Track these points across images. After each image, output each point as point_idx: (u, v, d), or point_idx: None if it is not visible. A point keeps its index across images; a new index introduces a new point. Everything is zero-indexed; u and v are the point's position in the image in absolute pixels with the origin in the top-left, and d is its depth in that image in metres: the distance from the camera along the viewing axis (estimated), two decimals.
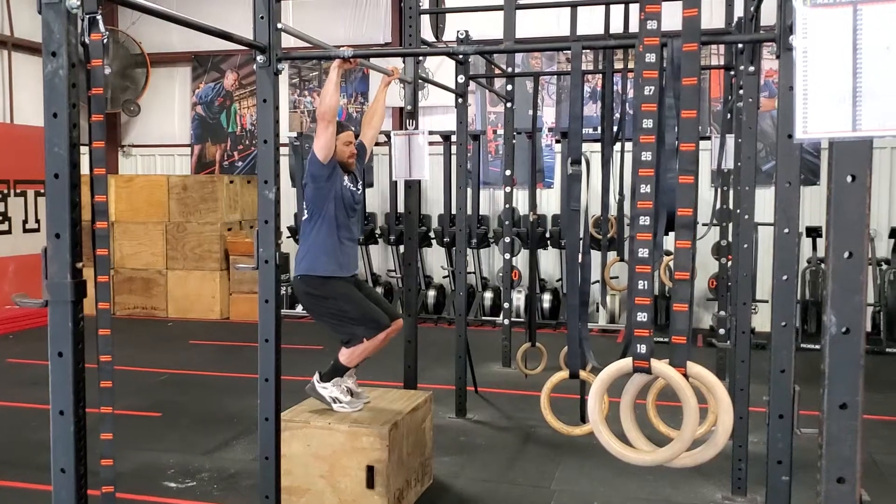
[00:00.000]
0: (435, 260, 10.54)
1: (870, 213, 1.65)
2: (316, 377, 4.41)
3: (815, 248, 8.59)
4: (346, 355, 4.36)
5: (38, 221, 10.25)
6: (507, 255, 7.45)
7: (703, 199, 8.64)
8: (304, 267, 4.39)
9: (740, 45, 4.34)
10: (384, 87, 4.74)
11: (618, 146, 6.53)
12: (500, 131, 9.81)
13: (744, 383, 4.16)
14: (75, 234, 2.34)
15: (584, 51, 3.35)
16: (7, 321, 9.24)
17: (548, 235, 9.54)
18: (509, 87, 7.29)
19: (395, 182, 9.21)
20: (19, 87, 10.91)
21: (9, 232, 9.92)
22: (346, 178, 4.44)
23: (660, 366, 2.56)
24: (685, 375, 2.55)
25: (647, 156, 2.59)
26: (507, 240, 7.41)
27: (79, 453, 2.39)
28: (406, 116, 5.52)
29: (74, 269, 2.34)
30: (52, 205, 2.34)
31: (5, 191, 9.87)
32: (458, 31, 6.18)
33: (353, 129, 4.55)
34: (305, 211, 4.44)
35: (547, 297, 9.62)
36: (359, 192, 4.56)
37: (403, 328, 5.19)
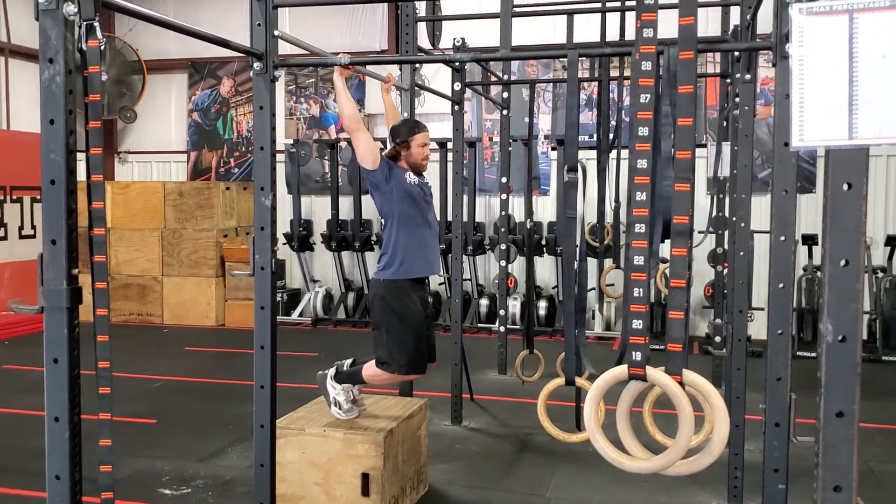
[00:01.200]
0: None
1: (866, 222, 1.65)
2: (332, 372, 4.38)
3: (811, 255, 8.60)
4: (371, 372, 4.32)
5: (34, 227, 10.24)
6: (503, 263, 7.45)
7: (699, 206, 8.65)
8: (385, 269, 4.30)
9: (736, 53, 4.36)
10: (386, 93, 4.72)
11: (614, 154, 6.54)
12: (497, 138, 9.83)
13: (740, 391, 4.16)
14: (71, 240, 2.34)
15: (580, 58, 3.36)
16: (2, 327, 9.22)
17: (544, 242, 9.55)
18: (505, 95, 7.30)
19: None
20: (16, 94, 10.90)
21: (5, 238, 9.90)
22: (408, 174, 4.33)
23: (655, 373, 2.56)
24: (681, 383, 2.55)
25: (642, 163, 2.59)
26: (503, 247, 7.41)
27: (74, 460, 2.39)
28: None
29: (70, 275, 2.33)
30: (49, 211, 2.34)
31: (1, 197, 9.86)
32: (454, 39, 6.19)
33: (427, 130, 4.44)
34: (381, 220, 4.39)
35: (543, 304, 9.62)
36: (427, 185, 4.44)
37: None
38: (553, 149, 9.96)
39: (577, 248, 3.50)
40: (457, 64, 5.73)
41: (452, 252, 6.08)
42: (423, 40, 6.25)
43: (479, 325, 9.74)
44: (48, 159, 2.31)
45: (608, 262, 7.23)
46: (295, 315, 10.50)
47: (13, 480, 4.76)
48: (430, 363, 4.44)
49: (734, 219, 4.31)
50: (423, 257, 4.32)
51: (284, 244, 10.39)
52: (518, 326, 9.13)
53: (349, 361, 4.48)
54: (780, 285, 3.05)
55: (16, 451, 5.31)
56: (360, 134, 4.16)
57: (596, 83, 7.86)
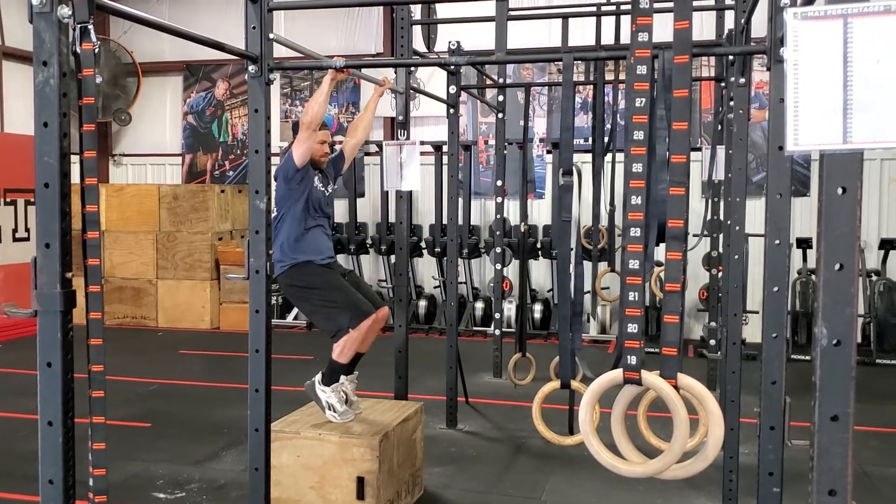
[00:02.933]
0: (426, 270, 10.54)
1: (860, 225, 1.65)
2: (318, 378, 4.42)
3: (805, 259, 8.62)
4: (336, 351, 4.38)
5: (27, 230, 10.21)
6: (499, 266, 7.45)
7: (693, 210, 8.67)
8: (281, 262, 4.43)
9: (731, 57, 4.36)
10: (376, 97, 4.76)
11: (609, 157, 6.55)
12: (492, 142, 9.84)
13: (734, 394, 4.16)
14: (65, 243, 2.33)
15: (575, 62, 3.36)
16: None
17: (539, 246, 9.56)
18: (500, 98, 7.31)
19: (387, 192, 9.20)
20: (10, 96, 10.88)
21: None
22: (316, 178, 4.52)
23: (650, 377, 2.56)
24: (676, 387, 2.55)
25: (638, 167, 2.59)
26: (499, 250, 7.41)
27: (67, 464, 2.38)
28: (397, 127, 5.52)
29: (64, 278, 2.32)
30: (42, 214, 2.33)
31: None
32: (449, 42, 6.19)
33: (329, 129, 4.66)
34: (274, 209, 4.47)
35: (538, 307, 9.62)
36: (328, 195, 4.64)
37: (395, 339, 5.20)
38: (548, 152, 9.96)
39: (573, 252, 3.51)
40: (452, 67, 5.73)
41: (448, 255, 6.08)
42: (419, 43, 6.26)
43: (475, 328, 9.74)
44: (42, 162, 2.31)
45: (603, 266, 7.25)
46: (290, 318, 10.48)
47: (6, 484, 4.74)
48: (379, 308, 4.49)
49: (729, 222, 4.32)
50: (314, 246, 4.46)
51: None
52: (513, 330, 9.13)
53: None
54: (775, 289, 3.06)
55: (9, 455, 5.29)
56: (311, 134, 4.32)
57: (591, 87, 7.87)
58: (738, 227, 4.16)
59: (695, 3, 2.62)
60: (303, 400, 4.72)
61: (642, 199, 2.59)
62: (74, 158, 2.39)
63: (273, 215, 4.48)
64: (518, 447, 5.53)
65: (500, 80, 7.61)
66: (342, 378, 4.40)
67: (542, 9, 9.84)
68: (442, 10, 7.08)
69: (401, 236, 5.51)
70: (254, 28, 3.41)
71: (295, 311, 10.53)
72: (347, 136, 4.88)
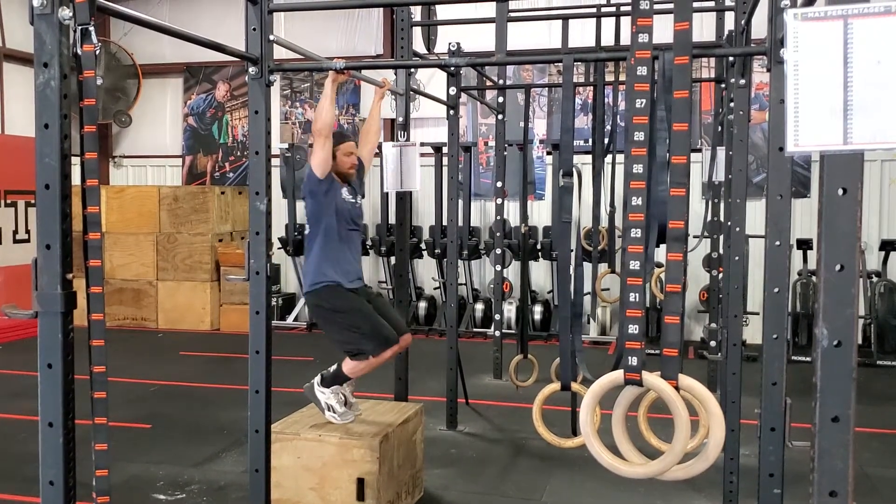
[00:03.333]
0: (426, 271, 10.54)
1: (861, 226, 1.65)
2: (317, 379, 4.41)
3: (805, 260, 8.62)
4: (350, 367, 4.34)
5: (28, 232, 10.21)
6: (499, 267, 7.45)
7: (694, 211, 8.67)
8: (311, 280, 4.39)
9: (731, 58, 4.36)
10: (378, 100, 4.74)
11: (609, 158, 6.55)
12: (492, 143, 9.84)
13: (735, 396, 4.16)
14: (65, 244, 2.33)
15: (575, 63, 3.36)
16: None
17: (539, 247, 9.56)
18: (500, 99, 7.30)
19: (387, 193, 9.21)
20: (11, 98, 10.88)
21: None
22: (344, 190, 4.43)
23: (651, 378, 2.56)
24: (676, 388, 2.55)
25: (638, 168, 2.59)
26: (499, 251, 7.41)
27: (68, 465, 2.38)
28: (398, 128, 5.52)
29: (64, 280, 2.32)
30: (43, 215, 2.33)
31: None
32: (449, 44, 6.20)
33: (353, 139, 4.56)
34: (307, 226, 4.45)
35: (538, 308, 9.62)
36: (358, 206, 4.55)
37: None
38: (548, 153, 9.96)
39: (573, 253, 3.51)
40: (452, 69, 5.73)
41: (448, 256, 6.08)
42: (419, 45, 6.26)
43: (475, 329, 9.74)
44: (43, 163, 2.31)
45: (603, 267, 7.24)
46: (290, 320, 10.49)
47: (7, 486, 4.74)
48: (403, 335, 4.47)
49: (729, 223, 4.32)
50: (339, 269, 4.39)
51: (279, 249, 10.37)
52: (513, 331, 9.13)
53: (333, 367, 4.49)
54: (775, 290, 3.06)
55: (10, 457, 5.29)
56: (326, 141, 4.23)
57: (591, 88, 7.87)
58: (738, 229, 4.16)
59: (695, 4, 2.62)
60: (303, 401, 4.72)
61: (643, 201, 2.59)
62: (75, 160, 2.40)
63: (306, 232, 4.48)
64: (518, 449, 5.53)
65: (500, 82, 7.61)
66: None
67: (542, 10, 9.84)
68: (442, 12, 7.08)
69: (401, 238, 5.51)
70: (254, 30, 3.42)
71: (295, 312, 10.53)
72: (361, 144, 4.77)
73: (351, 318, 4.32)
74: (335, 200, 4.36)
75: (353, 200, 4.51)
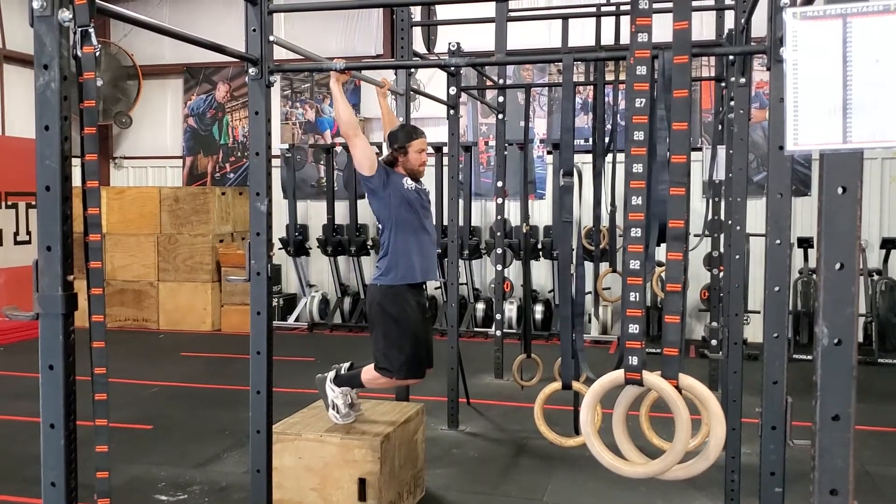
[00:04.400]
0: None
1: (861, 225, 1.65)
2: (331, 374, 4.38)
3: (806, 258, 8.62)
4: (370, 376, 4.32)
5: (29, 234, 10.22)
6: (499, 267, 7.45)
7: (694, 210, 8.67)
8: (383, 275, 4.30)
9: (731, 57, 4.36)
10: (383, 100, 4.72)
11: (609, 157, 6.56)
12: (492, 143, 9.84)
13: (736, 394, 4.16)
14: (66, 246, 2.34)
15: (575, 63, 3.36)
16: None
17: (540, 246, 9.56)
18: (501, 99, 7.31)
19: None
20: (11, 100, 10.89)
21: (0, 244, 9.88)
22: (405, 179, 4.33)
23: (652, 378, 2.56)
24: (677, 387, 2.55)
25: (638, 167, 2.60)
26: (499, 251, 7.41)
27: (69, 466, 2.38)
28: None
29: (65, 281, 2.33)
30: (44, 217, 2.33)
31: None
32: (449, 44, 6.20)
33: (425, 136, 4.46)
34: (379, 226, 4.39)
35: (539, 308, 9.62)
36: (425, 191, 4.45)
37: None
38: (549, 153, 9.97)
39: (574, 252, 3.51)
40: (452, 68, 5.73)
41: (449, 256, 6.08)
42: (419, 45, 6.26)
43: (476, 329, 9.74)
44: (43, 165, 2.31)
45: (604, 266, 7.25)
46: (291, 320, 10.49)
47: (9, 488, 4.74)
48: (428, 368, 4.43)
49: (730, 222, 4.32)
50: (420, 263, 4.32)
51: (280, 249, 10.38)
52: (514, 330, 9.13)
53: (347, 365, 4.49)
54: (776, 288, 3.06)
55: (11, 458, 5.29)
56: (357, 140, 4.16)
57: (591, 87, 7.87)
58: (738, 227, 4.16)
59: (694, 4, 2.63)
60: (304, 402, 4.73)
61: (643, 200, 2.59)
62: (76, 161, 2.40)
63: (380, 234, 4.40)
64: (520, 448, 5.53)
65: (501, 81, 7.62)
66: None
67: (541, 10, 9.85)
68: (442, 12, 7.08)
69: None
70: (254, 30, 3.42)
71: (296, 312, 10.54)
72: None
73: (399, 333, 4.26)
74: (400, 191, 4.26)
75: (418, 186, 4.39)
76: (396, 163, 4.36)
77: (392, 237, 4.28)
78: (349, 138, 4.16)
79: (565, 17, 6.88)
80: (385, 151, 4.48)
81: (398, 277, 4.28)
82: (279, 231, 10.26)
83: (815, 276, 1.79)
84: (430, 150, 9.21)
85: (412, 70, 5.74)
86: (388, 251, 4.30)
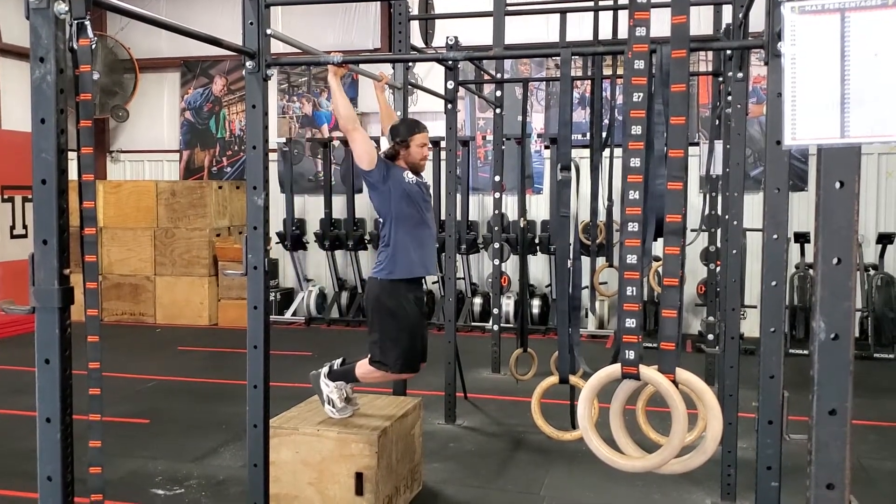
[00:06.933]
0: None
1: (858, 220, 1.65)
2: (325, 370, 4.39)
3: (803, 253, 8.62)
4: (364, 370, 4.33)
5: (25, 227, 10.20)
6: (497, 261, 7.45)
7: (691, 204, 8.67)
8: (383, 269, 4.29)
9: (729, 52, 4.36)
10: (381, 93, 4.71)
11: (607, 152, 6.55)
12: (490, 137, 9.83)
13: (733, 389, 4.17)
14: (63, 240, 2.33)
15: (573, 57, 3.36)
16: None
17: (537, 241, 9.56)
18: (498, 93, 7.30)
19: None
20: (7, 92, 10.86)
21: None
22: (406, 173, 4.31)
23: (649, 372, 2.56)
24: (674, 381, 2.56)
25: (635, 162, 2.59)
26: (497, 245, 7.41)
27: (66, 461, 2.38)
28: None
29: (62, 275, 2.32)
30: (40, 211, 2.33)
31: None
32: (447, 37, 6.18)
33: (427, 130, 4.42)
34: (380, 220, 4.38)
35: (536, 302, 9.62)
36: (426, 184, 4.43)
37: None
38: (546, 147, 9.96)
39: (571, 247, 3.51)
40: (450, 62, 5.72)
41: (446, 251, 6.08)
42: (417, 39, 6.25)
43: (473, 323, 9.74)
44: (39, 158, 2.31)
45: (601, 261, 7.24)
46: (288, 314, 10.49)
47: (5, 482, 4.74)
48: (422, 362, 4.44)
49: (727, 217, 4.32)
50: (420, 258, 4.31)
51: (277, 243, 10.37)
52: (511, 325, 9.14)
53: (339, 361, 4.49)
54: (773, 283, 3.06)
55: (7, 452, 5.29)
56: (356, 134, 4.15)
57: (589, 81, 7.85)
58: (735, 222, 4.17)
59: None
60: (301, 396, 4.73)
61: (640, 194, 2.59)
62: (72, 155, 2.39)
63: (380, 228, 4.39)
64: (517, 442, 5.54)
65: (498, 76, 7.61)
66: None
67: (539, 3, 9.82)
68: (439, 5, 7.06)
69: None
70: (251, 24, 3.41)
71: (293, 306, 10.53)
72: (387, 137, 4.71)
73: (396, 328, 4.25)
74: (401, 185, 4.24)
75: (418, 179, 4.37)
76: (398, 156, 4.34)
77: (392, 231, 4.27)
78: (348, 132, 4.15)
79: (563, 12, 6.86)
80: (384, 145, 4.47)
81: (397, 272, 4.27)
82: (276, 225, 10.25)
83: (811, 270, 1.79)
84: (429, 144, 9.26)
85: (410, 64, 5.73)
86: (388, 245, 4.29)
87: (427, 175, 4.56)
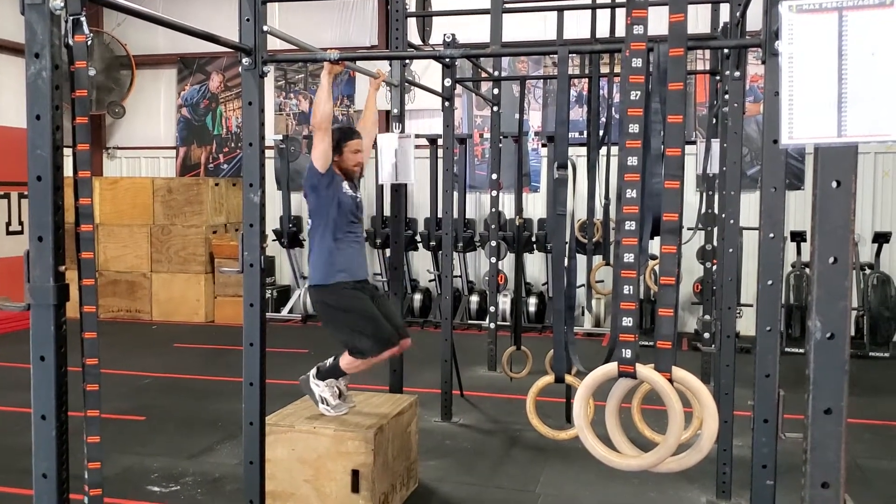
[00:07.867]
0: (421, 263, 10.53)
1: (854, 219, 1.65)
2: (313, 372, 4.40)
3: (799, 252, 8.63)
4: (347, 362, 4.34)
5: (21, 224, 10.18)
6: (493, 259, 7.45)
7: (688, 203, 8.66)
8: (315, 276, 4.37)
9: (726, 51, 4.36)
10: (373, 92, 4.71)
11: (604, 150, 6.55)
12: (487, 135, 9.82)
13: (728, 387, 4.17)
14: (58, 237, 2.33)
15: (570, 55, 3.35)
16: None
17: (534, 239, 9.56)
18: (496, 91, 7.30)
19: (382, 186, 9.19)
20: (2, 89, 10.83)
21: None
22: (345, 184, 4.40)
23: (645, 370, 2.56)
24: (670, 380, 2.55)
25: (632, 160, 2.59)
26: (493, 243, 7.41)
27: (61, 458, 2.37)
28: (392, 120, 5.51)
29: (57, 272, 2.32)
30: (35, 207, 2.32)
31: None
32: (444, 35, 6.18)
33: (361, 137, 4.51)
34: (310, 221, 4.42)
35: (532, 300, 9.63)
36: (359, 199, 4.52)
37: None
38: (543, 145, 9.96)
39: (567, 245, 3.51)
40: (447, 60, 5.72)
41: (443, 249, 6.08)
42: (414, 36, 6.24)
43: (469, 321, 9.75)
44: (35, 155, 2.30)
45: (598, 259, 7.24)
46: (285, 312, 10.48)
47: (3, 479, 4.74)
48: (403, 339, 4.46)
49: (723, 215, 4.32)
50: (342, 265, 4.35)
51: (274, 240, 10.36)
52: (508, 323, 9.13)
53: (328, 361, 4.49)
54: (769, 282, 3.06)
55: (5, 450, 5.28)
56: (325, 135, 4.21)
57: (586, 80, 7.86)
58: (732, 221, 4.16)
59: None
60: (297, 393, 4.72)
61: (637, 193, 2.58)
62: (68, 151, 2.38)
63: (308, 227, 4.45)
64: (513, 440, 5.54)
65: (496, 74, 7.60)
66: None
67: (537, 1, 9.82)
68: (437, 3, 7.07)
69: (396, 230, 5.51)
70: (248, 20, 3.40)
71: (290, 304, 10.53)
72: None
73: (354, 318, 4.29)
74: (337, 194, 4.32)
75: (354, 194, 4.47)
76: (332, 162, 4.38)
77: (319, 236, 4.34)
78: (320, 130, 4.20)
79: (561, 10, 6.87)
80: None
81: (329, 278, 4.33)
82: (273, 222, 10.23)
83: (808, 269, 1.78)
84: (425, 141, 9.27)
85: (407, 61, 5.72)
86: (317, 252, 4.35)
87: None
